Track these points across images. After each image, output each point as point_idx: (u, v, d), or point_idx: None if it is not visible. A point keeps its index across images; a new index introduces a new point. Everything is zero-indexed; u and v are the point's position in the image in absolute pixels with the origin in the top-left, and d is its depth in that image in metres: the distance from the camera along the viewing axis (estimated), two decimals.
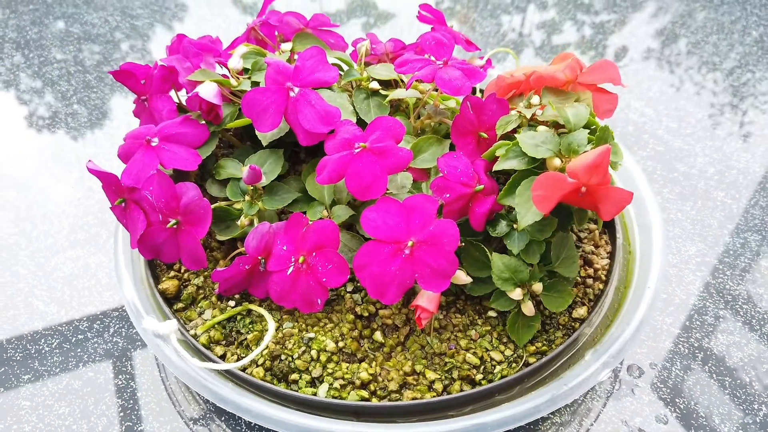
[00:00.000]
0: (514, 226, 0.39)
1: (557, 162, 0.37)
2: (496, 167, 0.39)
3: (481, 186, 0.39)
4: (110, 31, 0.78)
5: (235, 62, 0.47)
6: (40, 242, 0.54)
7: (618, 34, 0.80)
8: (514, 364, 0.40)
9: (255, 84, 0.47)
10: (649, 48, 0.77)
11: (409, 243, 0.36)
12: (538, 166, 0.38)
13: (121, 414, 0.42)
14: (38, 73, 0.72)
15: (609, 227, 0.48)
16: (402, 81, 0.48)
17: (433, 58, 0.44)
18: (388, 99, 0.45)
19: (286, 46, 0.50)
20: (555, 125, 0.40)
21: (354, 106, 0.46)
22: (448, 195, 0.39)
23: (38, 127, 0.65)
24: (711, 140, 0.64)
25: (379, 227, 0.37)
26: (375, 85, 0.47)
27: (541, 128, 0.39)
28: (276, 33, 0.53)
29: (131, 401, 0.43)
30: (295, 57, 0.51)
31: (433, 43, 0.44)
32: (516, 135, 0.39)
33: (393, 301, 0.37)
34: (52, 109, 0.68)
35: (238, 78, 0.47)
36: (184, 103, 0.49)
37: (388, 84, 0.50)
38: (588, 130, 0.38)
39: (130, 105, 0.69)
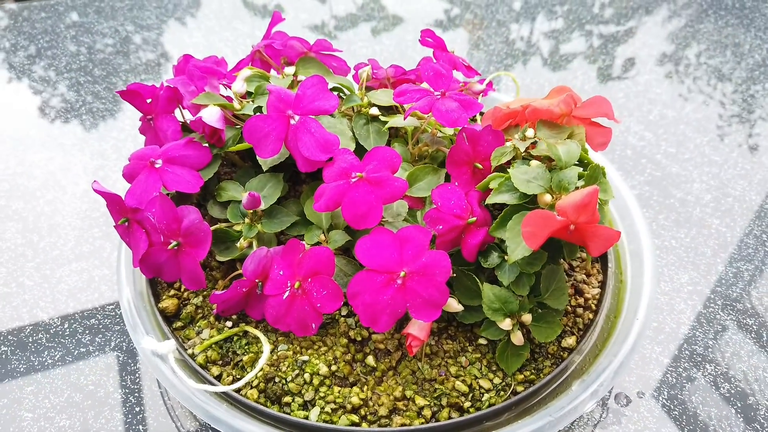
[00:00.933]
0: (505, 257, 0.40)
1: (548, 198, 0.38)
2: (489, 200, 0.40)
3: (474, 218, 0.40)
4: (120, 41, 0.80)
5: (239, 86, 0.49)
6: (46, 254, 0.55)
7: (625, 45, 0.80)
8: (502, 393, 0.41)
9: (258, 108, 0.48)
10: (651, 69, 0.78)
11: (402, 273, 0.37)
12: (529, 201, 0.39)
13: (120, 428, 0.44)
14: (47, 82, 0.74)
15: (601, 256, 0.49)
16: (402, 107, 0.49)
17: (431, 88, 0.45)
18: (386, 126, 0.47)
19: (290, 70, 0.51)
20: (548, 159, 0.41)
21: (353, 132, 0.48)
22: (441, 227, 0.40)
23: (46, 137, 0.67)
24: (708, 166, 0.64)
25: (372, 257, 0.38)
26: (375, 110, 0.49)
27: (534, 163, 0.40)
28: (281, 56, 0.54)
29: (130, 416, 0.44)
30: (299, 79, 0.52)
31: (432, 74, 0.45)
32: (509, 169, 0.40)
33: (384, 329, 0.38)
34: (61, 118, 0.69)
35: (242, 101, 0.48)
36: (188, 121, 0.50)
37: (388, 109, 0.51)
38: (579, 167, 0.39)
39: (137, 116, 0.70)
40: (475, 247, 0.40)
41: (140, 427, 0.44)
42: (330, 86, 0.50)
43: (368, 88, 0.53)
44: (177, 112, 0.51)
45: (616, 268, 0.49)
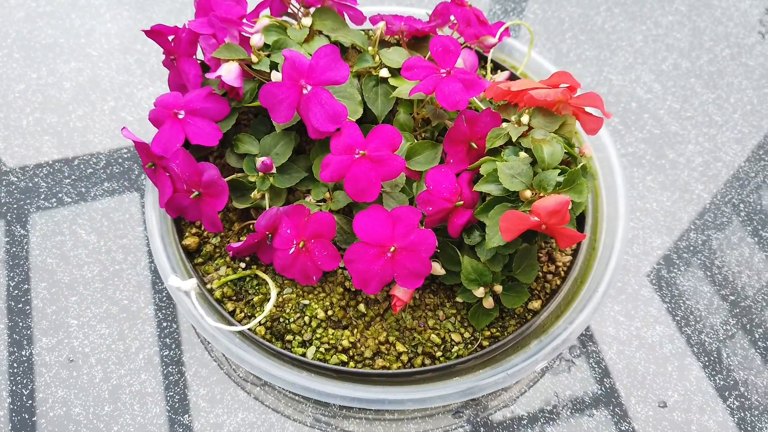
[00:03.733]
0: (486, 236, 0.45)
1: (528, 194, 0.42)
2: (476, 188, 0.44)
3: (461, 202, 0.45)
4: None
5: (257, 40, 0.51)
6: (81, 171, 0.61)
7: None
8: (470, 346, 0.48)
9: (274, 64, 0.50)
10: (677, 9, 0.76)
11: (392, 248, 0.43)
12: (512, 194, 0.43)
13: (150, 339, 0.52)
14: None
15: (579, 225, 0.54)
16: None
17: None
18: (393, 95, 0.49)
19: (306, 21, 0.53)
20: None
21: (363, 95, 0.51)
22: (431, 208, 0.44)
23: (75, 45, 0.70)
24: (708, 126, 0.66)
25: (368, 232, 0.43)
26: (385, 73, 0.51)
27: (522, 155, 0.44)
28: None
29: (159, 329, 0.53)
30: (315, 36, 0.54)
31: (440, 50, 0.47)
32: (498, 161, 0.44)
33: (374, 292, 0.44)
34: (86, 27, 0.71)
35: (259, 54, 0.51)
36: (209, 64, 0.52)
37: (399, 69, 0.53)
38: (565, 154, 0.43)
39: None
40: (460, 227, 0.45)
41: (167, 339, 0.52)
42: (346, 44, 0.53)
43: (382, 43, 0.55)
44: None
45: (592, 235, 0.54)
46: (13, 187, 0.60)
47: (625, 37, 0.73)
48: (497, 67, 0.62)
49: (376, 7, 0.64)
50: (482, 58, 0.61)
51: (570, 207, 0.41)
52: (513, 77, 0.61)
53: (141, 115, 0.65)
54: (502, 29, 0.59)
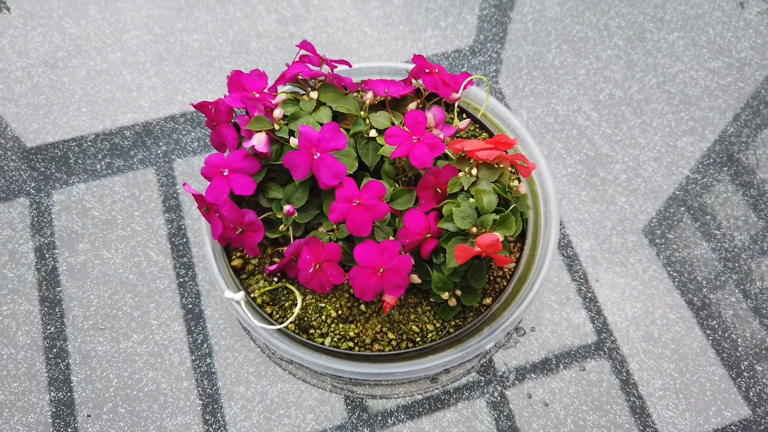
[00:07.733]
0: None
1: (474, 230, 0.61)
2: (439, 225, 0.62)
3: (429, 235, 0.63)
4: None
5: (278, 113, 0.69)
6: (146, 206, 0.79)
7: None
8: (440, 332, 0.67)
9: (291, 132, 0.68)
10: (616, 44, 0.92)
11: (381, 270, 0.62)
12: (463, 230, 0.62)
13: (211, 333, 0.72)
14: (119, 44, 0.92)
15: (520, 238, 0.72)
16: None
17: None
18: (380, 152, 0.67)
19: (314, 95, 0.71)
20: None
21: (357, 151, 0.69)
22: (408, 240, 0.63)
23: (129, 98, 0.87)
24: (633, 148, 0.84)
25: (364, 259, 0.62)
26: (373, 133, 0.69)
27: (471, 201, 0.62)
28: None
29: (216, 326, 0.72)
30: (321, 107, 0.71)
31: (412, 122, 0.65)
32: (454, 206, 0.62)
33: (370, 299, 0.63)
34: (136, 82, 0.89)
35: (280, 123, 0.69)
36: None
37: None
38: (495, 213, 0.61)
39: (193, 79, 0.89)
40: (429, 251, 0.64)
41: (223, 333, 0.72)
42: (344, 111, 0.71)
43: (371, 107, 0.73)
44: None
45: (532, 243, 0.72)
46: (97, 220, 0.79)
47: (570, 72, 0.90)
48: (463, 111, 0.79)
49: (365, 64, 0.81)
50: (450, 104, 0.79)
51: (503, 239, 0.60)
52: (475, 120, 0.78)
53: (187, 157, 0.83)
54: (465, 82, 0.76)
